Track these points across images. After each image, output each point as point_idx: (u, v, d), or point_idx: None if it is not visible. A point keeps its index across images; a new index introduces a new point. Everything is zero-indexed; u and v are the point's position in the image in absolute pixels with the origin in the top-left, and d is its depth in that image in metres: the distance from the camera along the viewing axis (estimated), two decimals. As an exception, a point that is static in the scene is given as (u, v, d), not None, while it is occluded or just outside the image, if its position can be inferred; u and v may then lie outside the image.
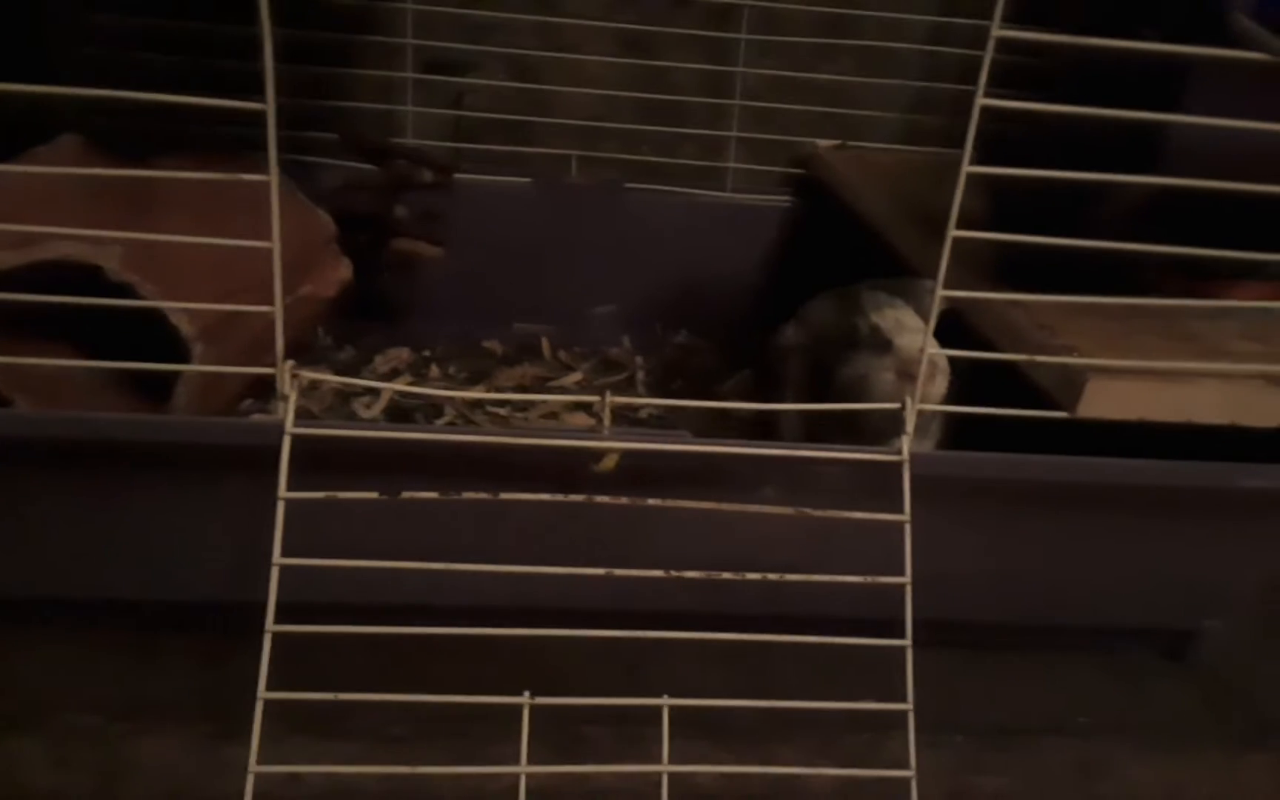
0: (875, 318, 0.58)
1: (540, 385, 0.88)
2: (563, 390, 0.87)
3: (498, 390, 0.86)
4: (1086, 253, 0.47)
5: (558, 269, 0.95)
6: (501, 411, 0.82)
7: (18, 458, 0.50)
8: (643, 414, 0.84)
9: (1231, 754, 0.58)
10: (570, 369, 0.91)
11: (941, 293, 0.46)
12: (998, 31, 0.42)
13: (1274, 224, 0.49)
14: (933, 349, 0.52)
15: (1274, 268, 0.59)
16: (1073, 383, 0.50)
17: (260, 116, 0.41)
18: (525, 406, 0.84)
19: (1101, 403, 0.49)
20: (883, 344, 0.57)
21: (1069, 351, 0.52)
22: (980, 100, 0.43)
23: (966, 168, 0.44)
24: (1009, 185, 0.46)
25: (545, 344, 0.94)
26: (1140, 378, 0.49)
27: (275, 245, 0.43)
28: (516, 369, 0.89)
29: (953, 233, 0.46)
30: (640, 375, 0.91)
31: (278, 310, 0.44)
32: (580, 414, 0.84)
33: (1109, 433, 0.51)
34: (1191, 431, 0.51)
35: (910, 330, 0.58)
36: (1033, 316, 0.55)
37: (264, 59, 0.39)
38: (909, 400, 0.48)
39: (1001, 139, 0.47)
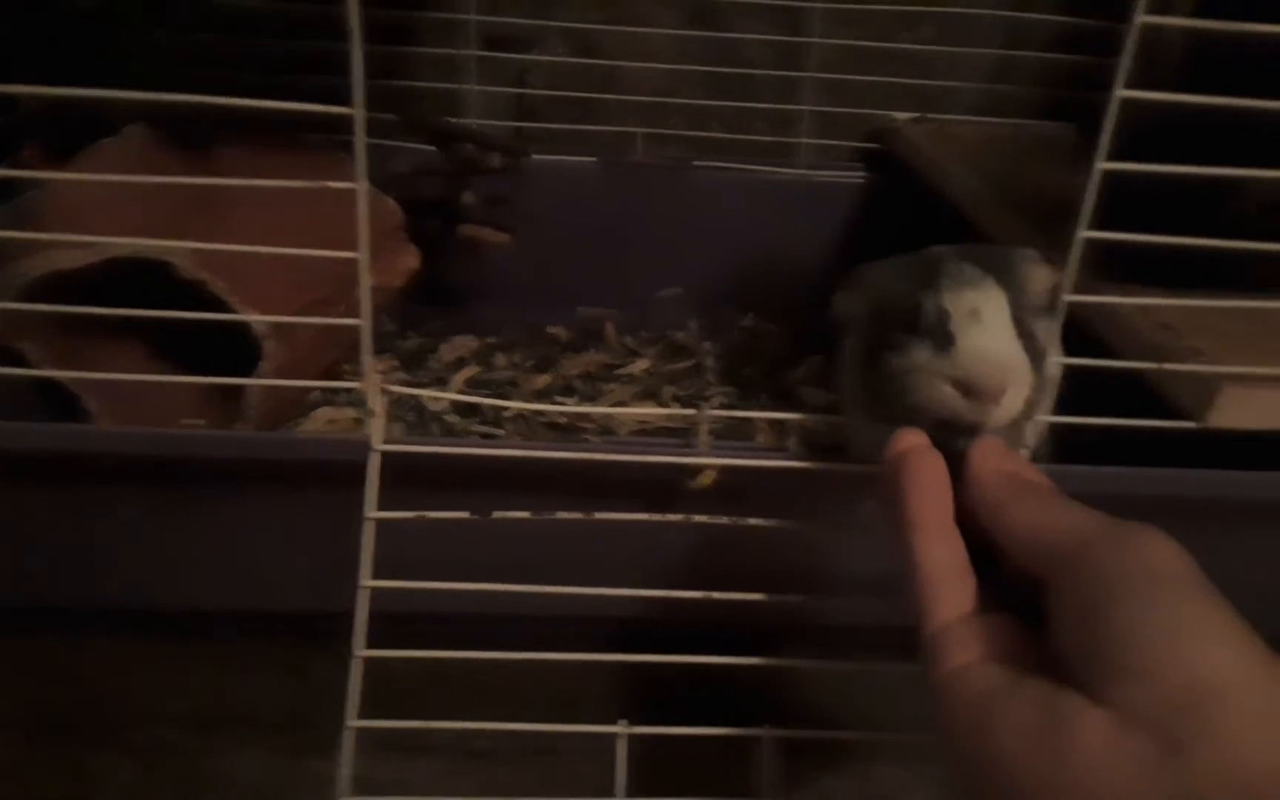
0: (948, 299, 0.44)
1: (606, 373, 0.86)
2: (630, 378, 0.85)
3: (564, 378, 0.84)
4: (1217, 249, 0.44)
5: (622, 251, 0.93)
6: (570, 403, 0.80)
7: (102, 472, 0.49)
8: (715, 402, 0.81)
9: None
10: (636, 355, 0.89)
11: (1069, 298, 0.43)
12: (1142, 19, 0.38)
13: None
14: (1012, 353, 0.43)
15: None
16: (1204, 391, 0.46)
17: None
18: (593, 396, 0.82)
19: (1236, 412, 0.46)
20: (945, 339, 0.43)
21: (1195, 355, 0.48)
22: (1119, 93, 0.40)
23: (1101, 164, 0.41)
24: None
25: (610, 329, 0.91)
26: (1278, 386, 0.46)
27: (363, 257, 0.41)
28: (582, 356, 0.87)
29: (1083, 233, 0.43)
30: (709, 361, 0.88)
31: (365, 325, 0.42)
32: (650, 403, 0.81)
33: (1208, 436, 0.48)
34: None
35: (988, 327, 0.43)
36: (1151, 315, 0.52)
37: (353, 67, 0.37)
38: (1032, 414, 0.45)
39: (1118, 122, 0.43)
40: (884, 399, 0.44)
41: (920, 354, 0.43)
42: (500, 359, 0.85)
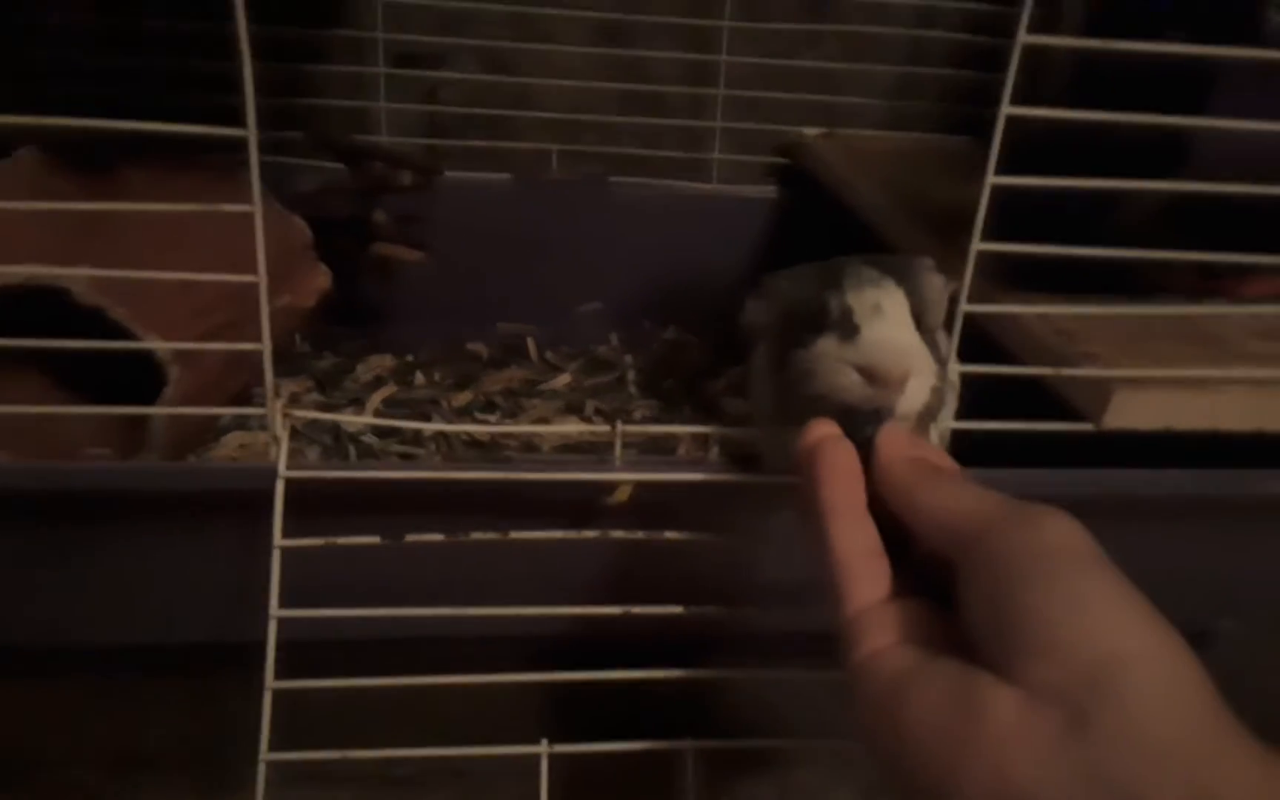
0: (851, 297, 0.46)
1: (529, 389, 0.85)
2: (553, 394, 0.85)
3: (485, 395, 0.83)
4: (1104, 257, 0.46)
5: (541, 267, 0.93)
6: (492, 419, 0.80)
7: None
8: (637, 415, 0.82)
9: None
10: (558, 370, 0.88)
11: (966, 307, 0.45)
12: (1025, 38, 0.40)
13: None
14: (914, 344, 0.45)
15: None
16: (1098, 394, 0.48)
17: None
18: (515, 413, 0.81)
19: (1129, 413, 0.48)
20: (850, 329, 0.45)
21: (1090, 359, 0.50)
22: (1005, 110, 0.41)
23: (991, 179, 0.42)
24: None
25: (531, 345, 0.91)
26: (1168, 387, 0.48)
27: (261, 281, 0.40)
28: (504, 373, 0.87)
29: (977, 245, 0.44)
30: (630, 374, 0.88)
31: (266, 349, 0.41)
32: (573, 418, 0.81)
33: (1109, 433, 0.49)
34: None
35: (890, 320, 0.45)
36: (1049, 322, 0.54)
37: (244, 88, 0.36)
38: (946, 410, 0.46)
39: (1012, 137, 0.45)
40: (793, 395, 0.45)
41: (827, 344, 0.45)
42: (419, 377, 0.84)
